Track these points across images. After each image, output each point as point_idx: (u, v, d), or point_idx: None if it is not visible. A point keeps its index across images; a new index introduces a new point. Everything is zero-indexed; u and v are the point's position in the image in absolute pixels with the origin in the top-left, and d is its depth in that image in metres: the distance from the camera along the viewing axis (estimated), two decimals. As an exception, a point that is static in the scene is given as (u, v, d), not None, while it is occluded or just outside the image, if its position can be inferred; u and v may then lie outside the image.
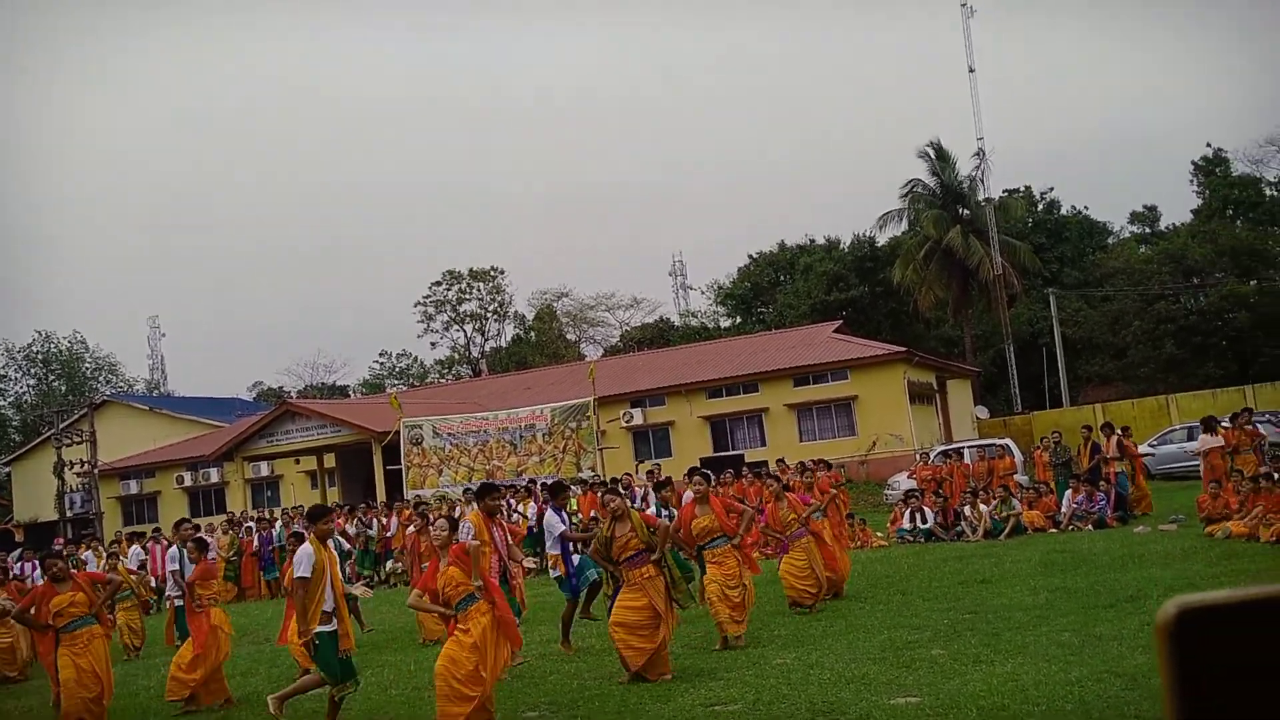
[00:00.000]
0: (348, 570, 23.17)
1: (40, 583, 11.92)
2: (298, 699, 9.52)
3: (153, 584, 22.07)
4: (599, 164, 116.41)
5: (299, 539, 10.28)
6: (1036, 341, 49.40)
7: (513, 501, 22.50)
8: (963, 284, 48.10)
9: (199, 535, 14.36)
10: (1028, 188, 57.55)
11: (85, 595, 10.17)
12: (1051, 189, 59.30)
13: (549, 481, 25.43)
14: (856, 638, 10.84)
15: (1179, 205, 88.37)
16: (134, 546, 23.95)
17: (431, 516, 16.52)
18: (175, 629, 14.89)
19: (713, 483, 12.70)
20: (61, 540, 28.92)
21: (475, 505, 11.28)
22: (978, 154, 47.40)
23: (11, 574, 18.66)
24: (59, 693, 10.23)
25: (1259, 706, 0.81)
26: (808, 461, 22.00)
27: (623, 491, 12.52)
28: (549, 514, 12.70)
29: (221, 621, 11.74)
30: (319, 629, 8.81)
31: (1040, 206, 57.85)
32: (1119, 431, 21.73)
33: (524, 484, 25.97)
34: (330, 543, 9.55)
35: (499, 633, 8.57)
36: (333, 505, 30.24)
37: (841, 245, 56.56)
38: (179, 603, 14.13)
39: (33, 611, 10.25)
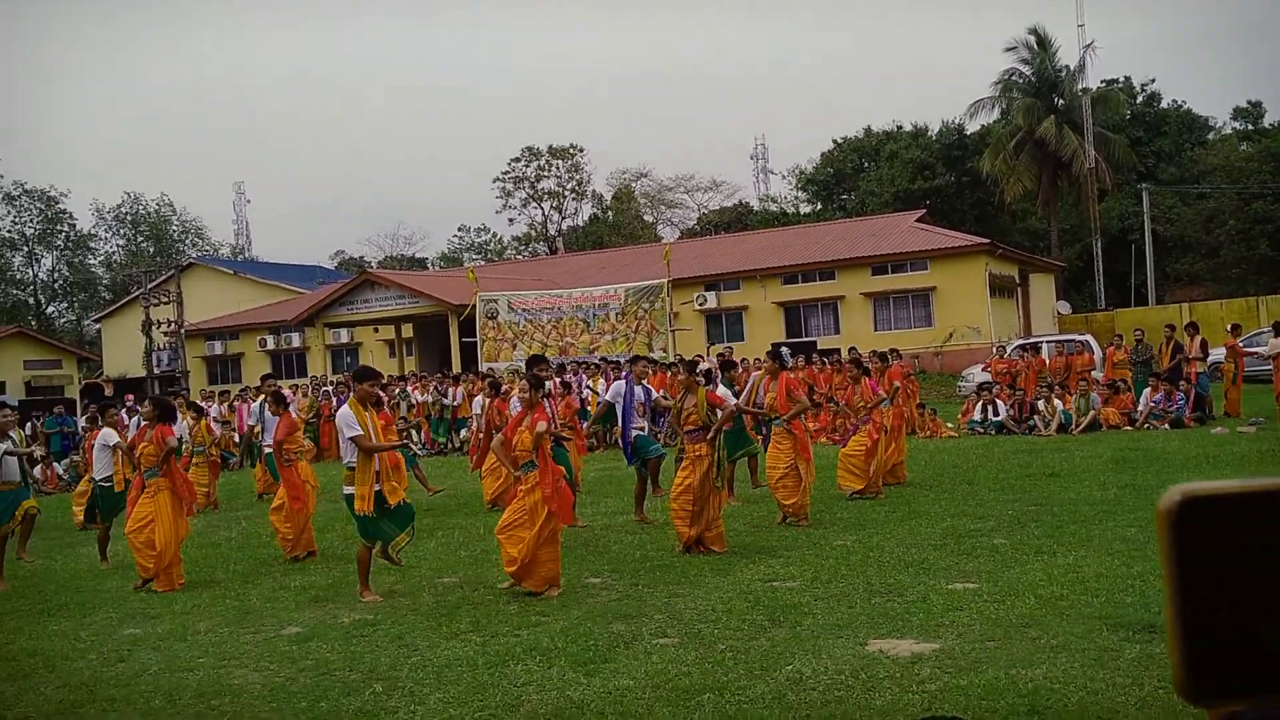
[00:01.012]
0: (421, 436, 23.73)
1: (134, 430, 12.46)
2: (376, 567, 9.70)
3: (236, 440, 22.86)
4: (683, 43, 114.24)
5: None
6: (1126, 238, 48.06)
7: (584, 377, 22.77)
8: (1053, 176, 46.72)
9: (278, 390, 14.76)
10: (1127, 78, 55.31)
11: (153, 449, 10.58)
12: (1153, 80, 56.92)
13: (622, 359, 25.66)
14: (919, 524, 10.89)
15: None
16: (213, 405, 24.68)
17: (505, 389, 16.79)
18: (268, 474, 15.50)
19: (788, 364, 12.66)
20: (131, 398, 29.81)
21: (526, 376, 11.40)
22: (1080, 42, 45.53)
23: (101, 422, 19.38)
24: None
25: (1258, 596, 0.81)
26: (879, 351, 21.82)
27: (699, 369, 12.51)
28: (616, 384, 12.88)
29: (309, 476, 12.18)
30: (346, 490, 9.03)
31: (1140, 99, 55.59)
32: (1229, 331, 21.20)
33: (596, 361, 26.21)
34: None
35: (553, 500, 8.81)
36: (409, 373, 30.86)
37: (929, 133, 55.10)
38: (269, 451, 14.56)
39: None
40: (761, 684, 5.95)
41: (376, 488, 8.91)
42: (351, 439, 8.87)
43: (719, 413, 10.53)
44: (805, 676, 6.02)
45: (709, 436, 10.26)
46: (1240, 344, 21.60)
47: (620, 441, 12.71)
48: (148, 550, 10.17)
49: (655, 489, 12.91)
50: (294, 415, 13.20)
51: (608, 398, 12.70)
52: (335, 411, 24.59)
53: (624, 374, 14.39)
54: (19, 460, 11.62)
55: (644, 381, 12.87)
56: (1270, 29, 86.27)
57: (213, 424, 20.81)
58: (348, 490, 9.04)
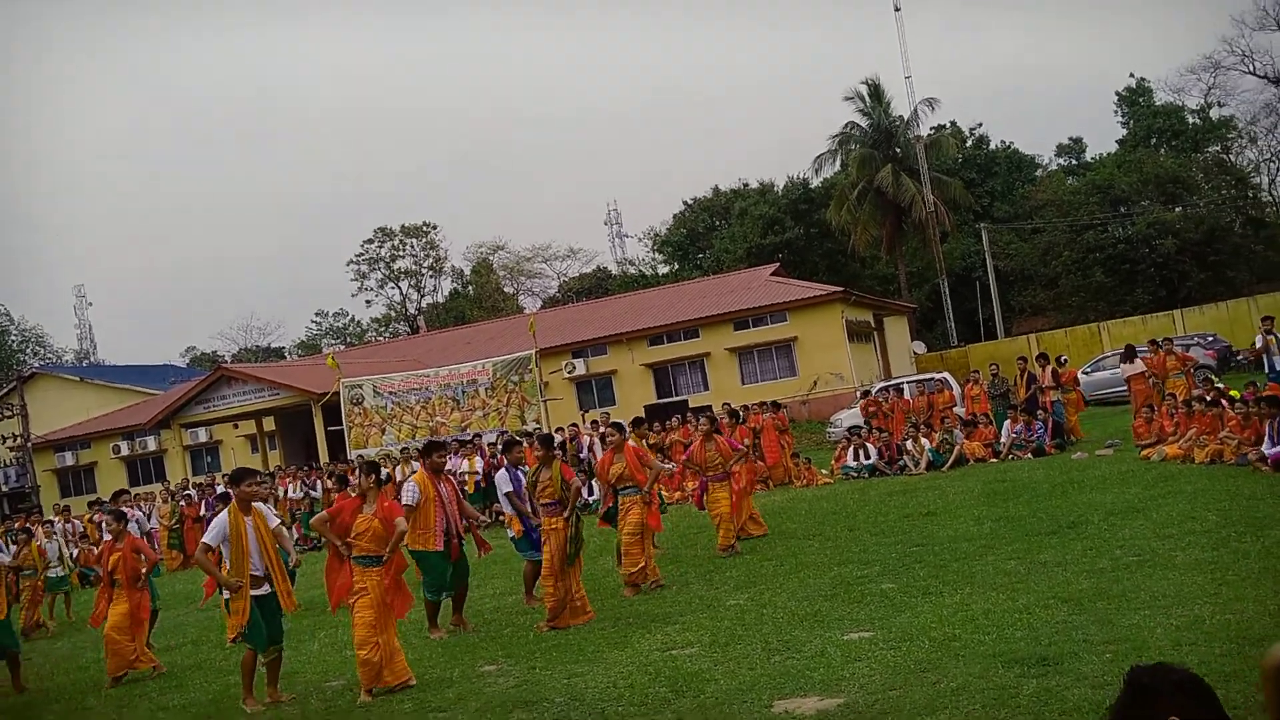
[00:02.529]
0: (293, 533, 22.97)
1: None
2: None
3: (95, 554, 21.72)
4: (529, 114, 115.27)
5: (226, 500, 10.21)
6: (970, 276, 49.98)
7: (457, 458, 22.35)
8: (896, 222, 48.46)
9: (117, 508, 13.97)
10: (953, 123, 57.88)
11: None
12: (980, 124, 59.76)
13: (493, 436, 25.38)
14: (807, 575, 10.97)
15: (1105, 136, 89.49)
16: (70, 522, 23.52)
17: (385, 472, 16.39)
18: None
19: (627, 434, 12.67)
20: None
21: (420, 464, 11.18)
22: (910, 92, 47.60)
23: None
24: None
25: None
26: (736, 406, 22.13)
27: (557, 443, 12.45)
28: (500, 473, 12.52)
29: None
30: (253, 593, 8.70)
31: (969, 142, 58.22)
32: (1055, 362, 22.10)
33: (468, 439, 25.86)
34: (262, 506, 9.36)
35: (393, 594, 8.91)
36: (275, 468, 29.96)
37: (776, 189, 56.59)
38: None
39: None
40: (672, 760, 5.86)
41: (266, 590, 8.65)
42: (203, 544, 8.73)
43: (570, 488, 10.52)
44: (715, 747, 5.95)
45: (564, 513, 10.28)
46: (1076, 372, 22.71)
47: (511, 532, 12.23)
48: None
49: (530, 598, 12.21)
50: (135, 534, 12.60)
51: (502, 489, 12.22)
52: (201, 515, 23.81)
53: (497, 459, 14.09)
54: None
55: (521, 466, 12.42)
56: (1084, 70, 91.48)
57: (44, 547, 19.75)
58: (256, 592, 8.72)
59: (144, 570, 11.51)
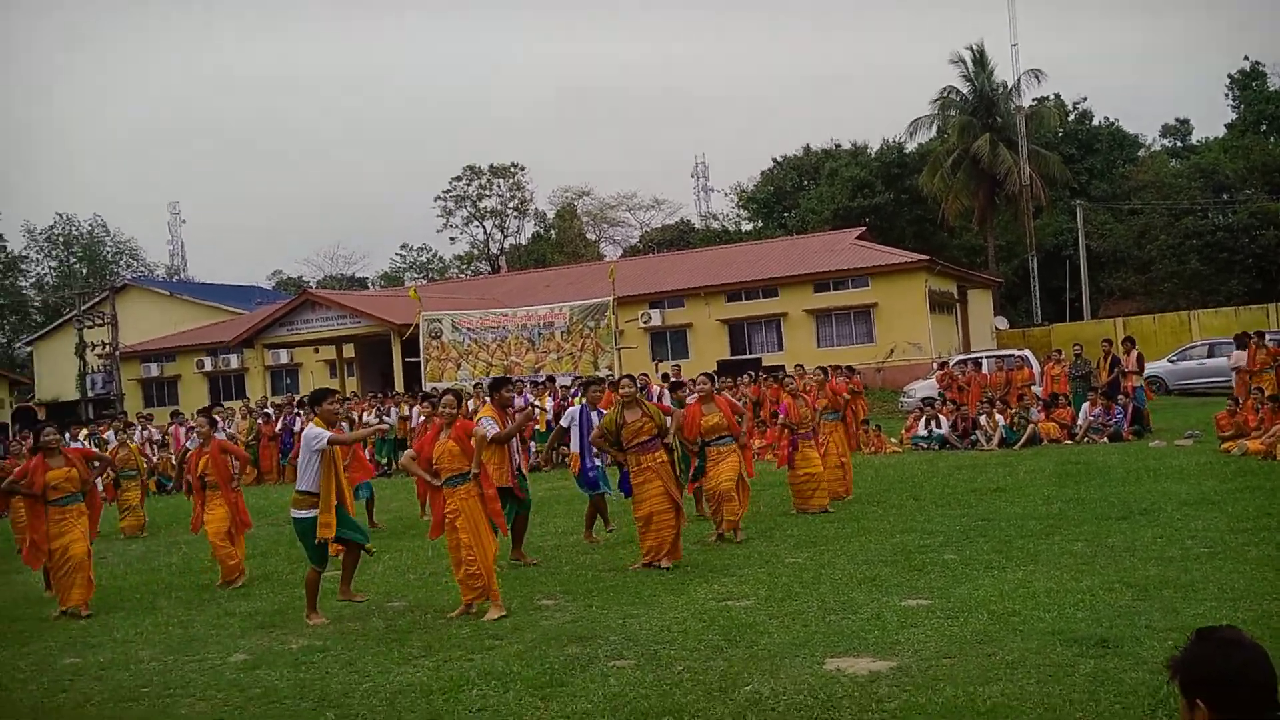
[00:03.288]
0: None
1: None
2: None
3: (174, 463, 22.41)
4: (626, 62, 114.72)
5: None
6: (1060, 254, 48.92)
7: (530, 396, 22.61)
8: (989, 193, 47.52)
9: (209, 412, 14.40)
10: (1058, 96, 56.36)
11: (77, 471, 10.39)
12: (1085, 99, 58.10)
13: (567, 379, 25.57)
14: (868, 540, 10.93)
15: (1213, 119, 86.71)
16: (139, 429, 24.22)
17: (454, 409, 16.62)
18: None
19: (716, 385, 12.74)
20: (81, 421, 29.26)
21: (489, 399, 11.30)
22: (1014, 61, 46.47)
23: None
24: (48, 566, 10.51)
25: None
26: (826, 367, 21.95)
27: (637, 383, 12.46)
28: (573, 409, 12.71)
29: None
30: (297, 514, 9.01)
31: (1072, 116, 56.69)
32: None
33: (541, 379, 26.09)
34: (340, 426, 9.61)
35: (485, 514, 8.85)
36: (352, 394, 30.51)
37: (869, 151, 55.73)
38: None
39: (24, 483, 10.47)
40: (720, 705, 5.92)
41: (312, 514, 8.90)
42: (318, 450, 8.85)
43: (670, 420, 10.60)
44: (764, 697, 5.99)
45: (665, 440, 10.36)
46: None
47: (581, 466, 12.39)
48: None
49: (607, 524, 12.51)
50: (223, 439, 12.86)
51: (563, 423, 12.50)
52: (277, 431, 24.36)
53: (574, 396, 14.27)
54: None
55: (599, 407, 12.58)
56: (1197, 50, 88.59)
57: (145, 447, 20.40)
58: (298, 514, 8.95)
59: (236, 470, 11.83)
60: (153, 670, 7.75)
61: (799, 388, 13.90)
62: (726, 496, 11.32)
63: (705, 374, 12.42)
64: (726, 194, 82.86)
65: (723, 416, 11.59)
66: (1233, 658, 2.59)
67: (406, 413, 24.56)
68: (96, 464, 11.81)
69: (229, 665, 7.71)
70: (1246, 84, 53.81)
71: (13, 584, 12.63)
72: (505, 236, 74.99)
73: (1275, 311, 35.94)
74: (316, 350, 40.98)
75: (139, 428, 24.25)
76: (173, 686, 7.24)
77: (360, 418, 24.12)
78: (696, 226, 68.13)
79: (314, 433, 8.96)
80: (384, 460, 23.94)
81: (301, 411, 24.44)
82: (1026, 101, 48.23)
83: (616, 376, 24.34)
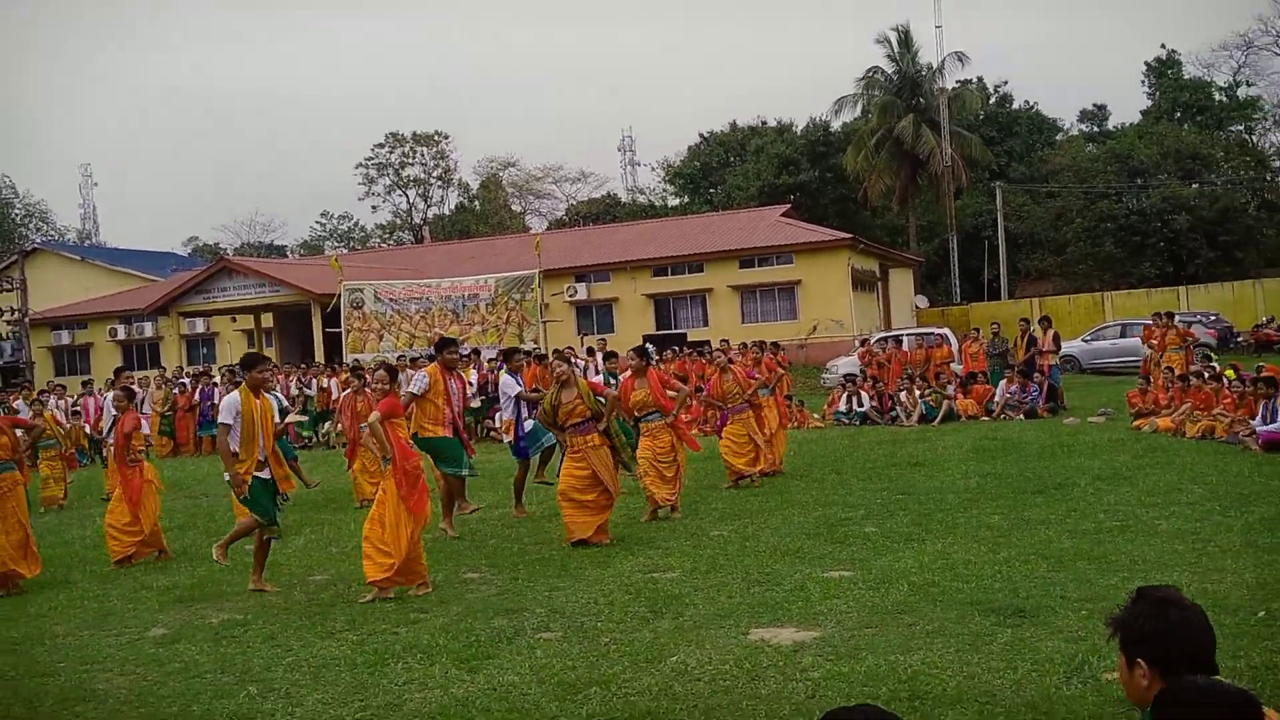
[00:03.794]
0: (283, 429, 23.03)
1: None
2: (239, 544, 9.53)
3: (87, 434, 21.83)
4: (553, 31, 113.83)
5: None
6: (980, 234, 49.74)
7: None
8: (911, 173, 48.17)
9: (128, 385, 14.12)
10: (979, 79, 57.12)
11: (7, 439, 10.06)
12: (1005, 82, 58.99)
13: (492, 352, 25.42)
14: (791, 513, 11.06)
15: (1129, 106, 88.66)
16: (54, 398, 23.59)
17: (368, 379, 16.44)
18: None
19: (654, 359, 12.80)
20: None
21: (436, 358, 11.21)
22: (939, 42, 47.01)
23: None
24: None
25: None
26: (749, 343, 22.11)
27: (571, 361, 12.48)
28: (504, 377, 12.73)
29: (152, 475, 11.60)
30: (256, 475, 8.80)
31: (993, 99, 57.54)
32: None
33: (465, 352, 25.91)
34: (268, 394, 9.44)
35: (406, 491, 8.48)
36: (274, 365, 30.00)
37: (795, 128, 56.03)
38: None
39: None
40: (647, 676, 5.96)
41: (266, 474, 8.75)
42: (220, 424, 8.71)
43: (604, 400, 10.54)
44: (690, 667, 6.04)
45: (600, 427, 10.26)
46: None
47: (514, 434, 12.45)
48: None
49: (539, 473, 12.67)
50: (140, 413, 12.53)
51: (508, 392, 12.50)
52: (195, 402, 23.91)
53: (500, 366, 14.25)
54: None
55: (518, 375, 12.76)
56: (1115, 38, 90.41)
57: (59, 416, 19.85)
58: (258, 474, 8.79)
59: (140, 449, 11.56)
60: (69, 645, 7.59)
61: (724, 362, 13.96)
62: (650, 475, 11.38)
63: (634, 349, 12.41)
64: (654, 168, 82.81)
65: (649, 393, 11.58)
66: (1170, 615, 2.67)
67: (326, 384, 24.28)
68: (26, 431, 11.47)
69: (147, 640, 7.57)
70: (1162, 71, 55.04)
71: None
72: (429, 206, 74.12)
73: (1186, 294, 37.00)
74: (234, 319, 40.15)
75: (54, 397, 23.57)
76: (90, 661, 7.09)
77: (282, 387, 23.77)
78: (623, 200, 67.98)
79: (230, 403, 8.80)
80: (306, 433, 23.62)
81: (218, 383, 24.02)
82: (950, 84, 48.94)
83: (541, 350, 24.30)
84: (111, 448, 11.99)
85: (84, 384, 26.91)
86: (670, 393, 11.86)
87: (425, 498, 8.68)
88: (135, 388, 21.20)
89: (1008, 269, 46.34)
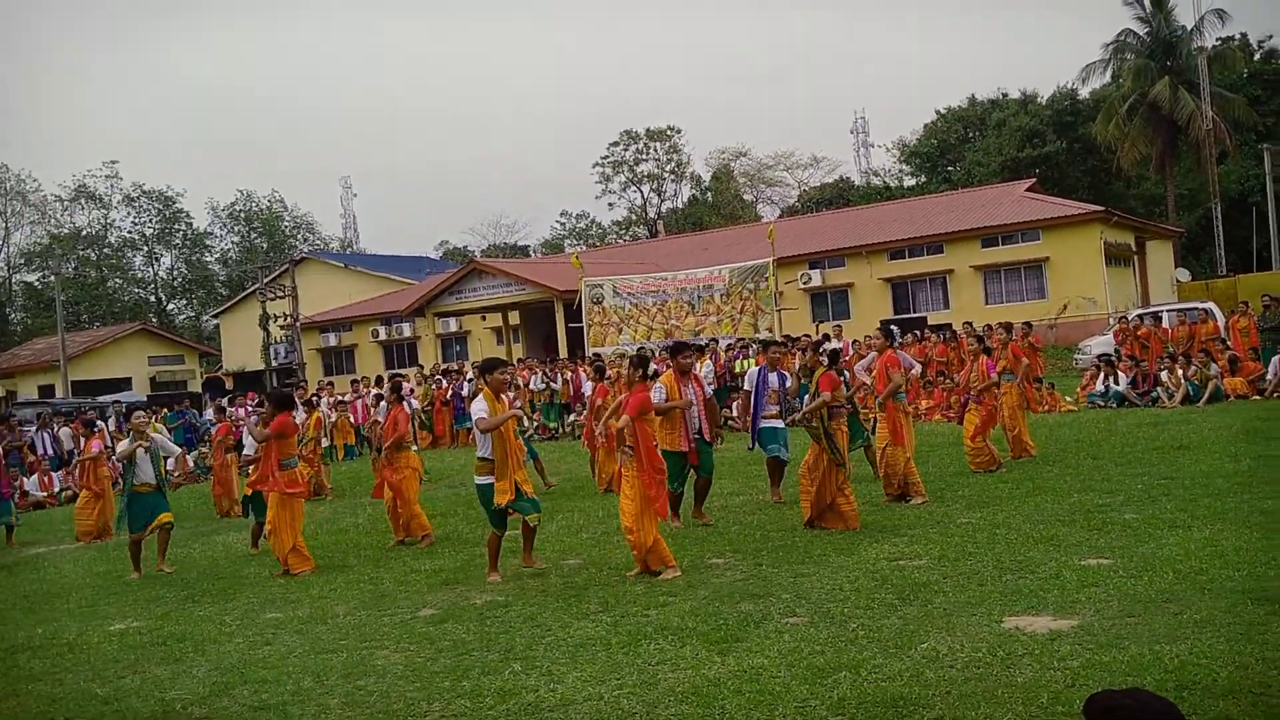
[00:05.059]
0: (534, 422, 23.97)
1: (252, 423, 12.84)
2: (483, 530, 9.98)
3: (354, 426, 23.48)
4: (778, 19, 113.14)
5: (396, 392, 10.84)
6: (1246, 201, 46.25)
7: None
8: (1169, 139, 45.26)
9: (397, 382, 15.00)
10: (1244, 35, 53.03)
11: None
12: (1270, 36, 54.50)
13: (728, 342, 25.61)
14: (1044, 500, 10.69)
15: None
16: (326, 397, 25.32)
17: (609, 373, 16.90)
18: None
19: (896, 341, 12.52)
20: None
21: (670, 365, 11.28)
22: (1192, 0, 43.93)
23: (227, 413, 20.01)
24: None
25: None
26: (994, 325, 21.40)
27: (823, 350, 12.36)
28: (754, 370, 12.58)
29: (415, 464, 12.45)
30: (478, 480, 9.35)
31: (1258, 56, 53.31)
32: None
33: (703, 343, 26.20)
34: (506, 396, 9.78)
35: (650, 485, 8.89)
36: (520, 359, 31.26)
37: (1039, 99, 53.64)
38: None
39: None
40: (897, 661, 5.93)
41: (489, 480, 9.20)
42: (479, 423, 9.12)
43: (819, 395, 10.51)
44: (942, 654, 5.98)
45: (801, 416, 10.42)
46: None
47: (750, 424, 12.37)
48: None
49: (775, 494, 12.32)
50: (406, 408, 13.28)
51: (745, 386, 12.44)
52: (449, 397, 25.17)
53: (738, 359, 14.20)
54: (152, 463, 11.99)
55: (778, 369, 12.21)
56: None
57: (323, 415, 21.35)
58: (481, 480, 9.26)
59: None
60: (349, 624, 8.21)
61: (979, 349, 13.58)
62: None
63: (886, 327, 12.26)
64: (888, 149, 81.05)
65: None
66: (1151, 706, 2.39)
67: (569, 377, 25.05)
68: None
69: (418, 620, 8.10)
70: None
71: (213, 545, 13.48)
72: (662, 201, 75.30)
73: None
74: (484, 317, 42.06)
75: (325, 395, 25.40)
76: (368, 639, 7.65)
77: (527, 384, 24.75)
78: (856, 184, 66.97)
79: (479, 406, 9.25)
80: (552, 424, 24.50)
81: (470, 378, 25.23)
82: (1209, 43, 45.67)
83: (777, 338, 24.28)
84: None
85: (352, 383, 28.80)
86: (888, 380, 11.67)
87: (663, 494, 9.08)
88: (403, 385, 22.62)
89: (1278, 237, 42.90)
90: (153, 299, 74.12)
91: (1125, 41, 46.83)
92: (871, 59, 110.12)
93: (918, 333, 24.52)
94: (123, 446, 12.40)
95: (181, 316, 76.06)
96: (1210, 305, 25.67)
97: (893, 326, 12.62)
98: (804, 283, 36.61)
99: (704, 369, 22.22)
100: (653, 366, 11.61)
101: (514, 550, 9.88)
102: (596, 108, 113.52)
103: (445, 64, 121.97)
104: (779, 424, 11.94)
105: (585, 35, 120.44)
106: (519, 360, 31.62)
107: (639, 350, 26.48)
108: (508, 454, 9.17)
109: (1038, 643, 6.00)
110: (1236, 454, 12.38)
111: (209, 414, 25.41)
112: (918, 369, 15.86)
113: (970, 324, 22.55)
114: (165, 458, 12.61)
